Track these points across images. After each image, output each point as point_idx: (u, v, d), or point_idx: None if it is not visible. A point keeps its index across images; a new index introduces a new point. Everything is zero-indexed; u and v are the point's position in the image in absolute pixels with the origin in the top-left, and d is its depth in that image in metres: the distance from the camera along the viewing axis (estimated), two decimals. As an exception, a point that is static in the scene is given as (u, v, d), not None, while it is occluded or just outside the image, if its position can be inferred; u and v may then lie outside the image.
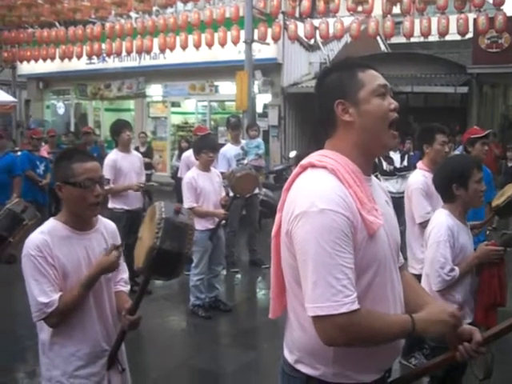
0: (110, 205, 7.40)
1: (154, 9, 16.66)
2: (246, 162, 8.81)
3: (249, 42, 13.91)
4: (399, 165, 9.44)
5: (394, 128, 2.09)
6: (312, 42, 16.40)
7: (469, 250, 3.71)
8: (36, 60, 19.36)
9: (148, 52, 16.97)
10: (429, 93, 16.21)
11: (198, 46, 15.44)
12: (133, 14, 17.25)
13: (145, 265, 2.57)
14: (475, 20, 13.24)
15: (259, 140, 10.41)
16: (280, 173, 12.94)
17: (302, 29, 14.41)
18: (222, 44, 14.99)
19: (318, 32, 14.35)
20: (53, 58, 18.86)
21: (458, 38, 13.42)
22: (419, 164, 5.13)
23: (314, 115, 2.22)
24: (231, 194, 7.22)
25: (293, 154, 14.51)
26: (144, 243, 2.64)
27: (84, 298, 2.76)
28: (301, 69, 17.09)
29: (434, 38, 13.68)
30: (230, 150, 9.01)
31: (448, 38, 13.28)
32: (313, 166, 2.04)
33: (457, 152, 8.60)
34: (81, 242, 2.82)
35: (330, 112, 2.08)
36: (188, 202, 6.61)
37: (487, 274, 3.70)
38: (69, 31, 17.95)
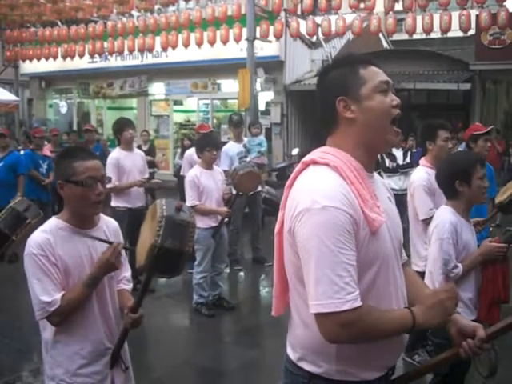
0: (113, 203, 7.40)
1: (156, 7, 16.66)
2: (248, 159, 8.81)
3: (251, 40, 13.89)
4: (402, 162, 9.42)
5: (396, 125, 2.09)
6: (314, 39, 16.38)
7: (472, 247, 3.70)
8: (38, 59, 19.39)
9: (150, 50, 16.98)
10: (431, 90, 16.18)
11: (200, 44, 15.44)
12: (135, 13, 17.24)
13: (146, 263, 2.57)
14: (477, 16, 13.18)
15: (261, 138, 10.39)
16: (283, 170, 12.93)
17: (304, 26, 14.38)
18: (224, 42, 14.98)
19: (320, 29, 14.34)
20: (55, 57, 18.89)
21: (461, 34, 13.39)
22: (422, 161, 5.12)
23: (316, 112, 2.22)
24: (234, 191, 7.21)
25: (295, 151, 14.50)
26: (145, 241, 2.63)
27: (87, 297, 2.76)
28: (303, 66, 17.08)
29: (436, 34, 13.67)
30: (232, 147, 9.01)
31: (450, 34, 13.25)
32: (315, 163, 2.03)
33: (460, 149, 8.60)
34: (83, 241, 2.82)
35: (332, 109, 2.08)
36: (191, 200, 6.61)
37: (491, 271, 3.69)
38: (71, 30, 17.97)
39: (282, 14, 14.80)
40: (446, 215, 3.67)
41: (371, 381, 2.04)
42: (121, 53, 17.53)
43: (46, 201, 9.03)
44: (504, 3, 12.63)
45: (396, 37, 16.20)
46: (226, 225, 7.23)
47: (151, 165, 12.37)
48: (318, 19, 14.19)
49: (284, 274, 2.13)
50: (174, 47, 16.04)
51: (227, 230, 7.56)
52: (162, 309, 7.08)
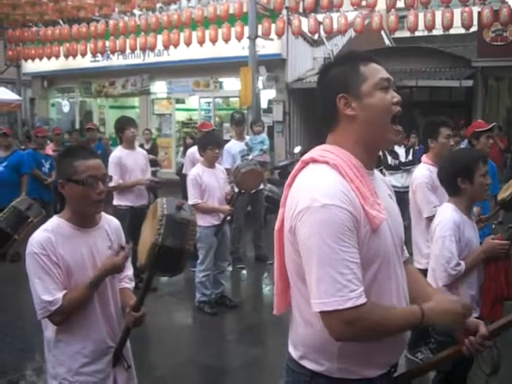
0: (115, 202, 7.41)
1: (158, 6, 16.66)
2: (250, 157, 8.81)
3: (253, 38, 13.88)
4: (404, 159, 9.40)
5: (396, 122, 2.08)
6: (316, 37, 16.38)
7: (475, 245, 3.69)
8: (40, 58, 19.41)
9: (152, 49, 16.99)
10: (433, 87, 16.16)
11: (201, 42, 15.44)
12: (136, 12, 17.26)
13: (147, 262, 2.57)
14: (480, 13, 13.16)
15: (264, 136, 10.39)
16: (285, 168, 12.91)
17: (305, 24, 14.37)
18: (226, 40, 14.99)
19: (321, 27, 14.33)
20: (57, 56, 18.91)
21: (463, 31, 13.35)
22: (424, 158, 5.11)
23: (317, 110, 2.21)
24: (236, 190, 7.21)
25: (297, 149, 14.48)
26: (146, 240, 2.63)
27: (89, 297, 2.76)
28: (305, 64, 17.06)
29: (438, 31, 13.64)
30: (234, 146, 9.01)
31: (452, 31, 13.22)
32: (314, 161, 2.03)
33: (462, 146, 8.58)
34: (84, 240, 2.82)
35: (332, 106, 2.07)
36: (193, 199, 6.61)
37: (493, 268, 3.68)
38: (73, 29, 17.98)
39: (284, 11, 14.79)
40: (448, 213, 3.66)
41: (373, 378, 2.03)
42: (123, 51, 17.54)
43: (48, 200, 9.04)
44: (506, 0, 12.60)
45: (398, 34, 16.21)
46: (228, 223, 7.23)
47: (153, 163, 12.34)
48: (320, 17, 14.20)
49: (285, 272, 2.13)
50: (175, 46, 16.04)
51: (229, 228, 7.56)
52: (165, 307, 7.08)
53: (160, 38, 16.32)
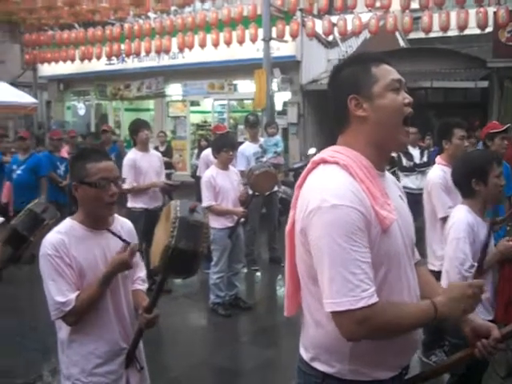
0: (130, 204, 7.44)
1: (172, 8, 16.70)
2: (264, 159, 8.80)
3: (267, 40, 13.88)
4: (419, 161, 9.35)
5: (408, 124, 2.08)
6: (330, 38, 16.32)
7: (489, 247, 3.67)
8: (56, 61, 19.54)
9: (167, 52, 17.03)
10: (448, 88, 16.05)
11: (216, 44, 15.46)
12: (151, 15, 17.32)
13: (161, 264, 2.58)
14: (495, 13, 13.05)
15: (278, 138, 10.39)
16: (299, 170, 12.87)
17: (319, 26, 14.34)
18: (240, 42, 14.99)
19: (336, 28, 14.29)
20: (73, 60, 19.01)
21: (478, 31, 13.26)
22: (438, 159, 5.09)
23: (331, 112, 2.22)
24: (250, 192, 7.21)
25: (312, 151, 14.44)
26: (160, 242, 2.65)
27: (101, 296, 2.78)
28: (319, 66, 17.02)
29: (453, 32, 13.56)
30: (248, 148, 9.02)
31: (467, 32, 13.14)
32: (325, 161, 2.03)
33: (478, 148, 8.52)
34: (97, 242, 2.84)
35: (344, 107, 2.08)
36: (207, 201, 6.64)
37: (508, 271, 3.66)
38: (88, 32, 18.08)
39: (298, 13, 14.76)
40: (462, 214, 3.64)
41: (384, 380, 2.03)
42: (138, 54, 17.60)
43: (63, 202, 9.09)
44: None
45: (413, 35, 16.12)
46: (242, 225, 7.24)
47: (168, 166, 12.41)
48: (334, 18, 14.15)
49: (295, 274, 2.13)
50: (190, 48, 16.07)
51: (244, 230, 7.56)
52: (179, 309, 7.11)
53: (175, 40, 16.36)
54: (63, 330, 2.82)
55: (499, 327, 2.25)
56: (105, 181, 2.77)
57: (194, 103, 19.30)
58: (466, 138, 5.07)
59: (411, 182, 9.08)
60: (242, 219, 6.99)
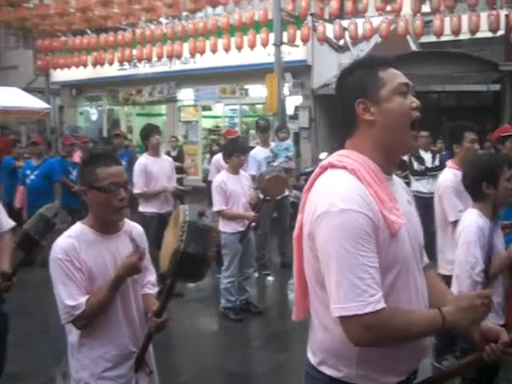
0: (141, 208, 7.47)
1: (184, 14, 16.73)
2: (275, 164, 8.81)
3: (278, 45, 13.87)
4: (430, 165, 9.33)
5: (415, 128, 2.07)
6: (341, 42, 16.32)
7: (500, 251, 3.65)
8: (69, 67, 19.62)
9: (178, 57, 17.07)
10: (461, 91, 15.99)
11: (227, 49, 15.48)
12: (162, 20, 17.35)
13: (170, 268, 2.59)
14: (507, 16, 12.96)
15: (289, 142, 10.39)
16: (311, 175, 12.83)
17: (330, 30, 14.32)
18: (252, 47, 15.00)
19: (347, 33, 14.28)
20: (85, 65, 19.09)
21: (490, 34, 13.20)
22: (449, 163, 5.06)
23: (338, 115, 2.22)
24: (261, 196, 7.22)
25: (323, 155, 14.44)
26: (169, 246, 2.65)
27: (110, 300, 2.79)
28: (330, 70, 16.99)
29: (464, 35, 13.49)
30: (259, 152, 9.03)
31: (479, 35, 13.06)
32: (332, 166, 2.04)
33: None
34: (107, 246, 2.86)
35: (351, 111, 2.08)
36: (218, 205, 6.65)
37: (519, 275, 3.64)
38: (100, 38, 18.15)
39: (309, 18, 14.75)
40: (473, 218, 3.63)
41: None
42: (149, 60, 17.65)
43: (75, 207, 9.15)
44: (534, 2, 12.45)
45: (424, 39, 16.04)
46: (253, 229, 7.24)
47: (180, 170, 12.44)
48: (345, 23, 14.13)
49: (303, 278, 2.13)
50: (201, 53, 16.10)
51: (255, 234, 7.57)
52: (190, 313, 7.12)
53: (186, 45, 16.39)
54: (73, 334, 2.84)
55: (509, 332, 2.24)
56: (114, 186, 2.78)
57: (205, 108, 19.34)
58: (481, 143, 5.03)
59: (422, 186, 9.07)
60: (253, 223, 6.99)
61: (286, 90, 15.09)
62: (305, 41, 14.51)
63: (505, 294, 3.65)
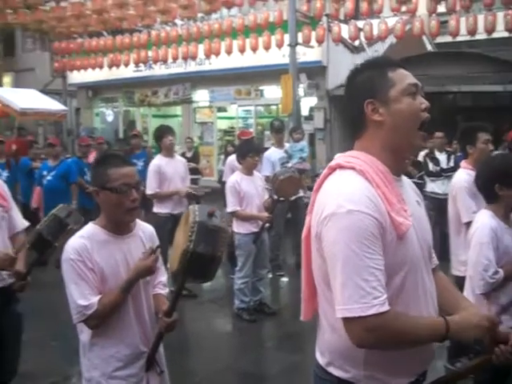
0: (155, 209, 7.51)
1: (199, 15, 16.78)
2: (290, 165, 8.80)
3: (293, 46, 13.86)
4: (446, 165, 9.27)
5: (424, 129, 2.07)
6: (356, 43, 16.26)
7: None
8: (85, 69, 19.75)
9: (193, 58, 17.10)
10: (477, 92, 15.88)
11: (242, 50, 15.50)
12: (178, 21, 17.41)
13: (179, 267, 2.60)
14: (524, 16, 12.88)
15: (303, 143, 10.37)
16: (326, 176, 12.80)
17: (345, 31, 14.30)
18: (267, 48, 15.00)
19: (362, 33, 14.24)
20: (101, 67, 19.21)
21: (506, 34, 13.08)
22: (463, 163, 5.01)
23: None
24: (275, 197, 7.22)
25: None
26: (178, 246, 2.67)
27: (122, 301, 2.81)
28: (346, 71, 16.43)
29: (481, 35, 13.39)
30: (274, 153, 9.03)
31: (495, 35, 12.96)
32: (341, 167, 2.03)
33: None
34: (119, 246, 2.88)
35: (360, 112, 2.08)
36: (231, 206, 6.67)
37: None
38: (116, 40, 18.25)
39: (324, 18, 14.72)
40: (486, 219, 3.61)
41: None
42: (165, 61, 17.71)
43: (90, 208, 9.22)
44: (552, 1, 12.32)
45: (440, 39, 15.95)
46: (267, 230, 7.24)
47: (195, 171, 12.47)
48: (360, 23, 14.09)
49: (311, 279, 2.14)
50: (216, 54, 16.13)
51: (269, 235, 7.57)
52: (204, 314, 7.14)
53: (201, 47, 16.43)
54: (85, 334, 2.86)
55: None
56: (126, 186, 2.80)
57: (220, 109, 19.36)
58: (497, 143, 4.98)
59: (437, 187, 9.02)
60: (267, 224, 6.99)
61: (300, 91, 15.06)
62: (320, 41, 14.49)
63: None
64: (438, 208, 8.23)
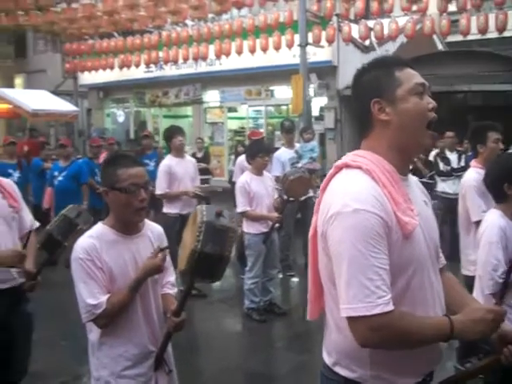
0: (165, 209, 7.53)
1: (210, 16, 16.79)
2: (300, 165, 8.79)
3: (303, 46, 13.84)
4: (456, 165, 9.24)
5: (432, 129, 2.06)
6: (367, 43, 16.22)
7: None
8: (96, 70, 19.83)
9: (204, 59, 17.14)
10: (488, 91, 15.80)
11: (252, 51, 15.50)
12: (188, 22, 17.43)
13: (187, 267, 2.61)
14: (535, 15, 12.83)
15: (314, 143, 10.36)
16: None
17: (356, 30, 14.26)
18: (277, 48, 14.99)
19: (372, 33, 14.20)
20: (112, 68, 19.27)
21: (518, 33, 13.05)
22: (473, 162, 5.00)
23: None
24: (285, 197, 7.22)
25: (349, 156, 14.36)
26: (186, 246, 2.68)
27: (131, 300, 2.82)
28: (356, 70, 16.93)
29: (492, 34, 13.33)
30: (284, 153, 9.03)
31: (506, 34, 12.89)
32: (347, 166, 2.03)
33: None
34: (128, 246, 2.89)
35: (367, 112, 2.08)
36: (241, 206, 6.68)
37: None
38: (127, 41, 18.31)
39: (334, 18, 14.69)
40: (494, 219, 3.59)
41: None
42: (175, 62, 17.74)
43: (100, 208, 9.27)
44: None
45: (450, 38, 15.88)
46: (277, 230, 7.24)
47: (205, 172, 12.49)
48: (371, 23, 14.05)
49: (318, 279, 2.14)
50: (227, 55, 16.15)
51: (279, 235, 7.56)
52: (214, 314, 7.15)
53: (212, 47, 16.45)
54: (94, 333, 2.88)
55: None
56: (135, 186, 2.81)
57: (231, 109, 19.38)
58: (508, 142, 4.94)
59: (448, 186, 8.98)
60: (277, 224, 6.99)
61: (311, 91, 15.04)
62: (330, 41, 14.46)
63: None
64: (448, 208, 8.22)
